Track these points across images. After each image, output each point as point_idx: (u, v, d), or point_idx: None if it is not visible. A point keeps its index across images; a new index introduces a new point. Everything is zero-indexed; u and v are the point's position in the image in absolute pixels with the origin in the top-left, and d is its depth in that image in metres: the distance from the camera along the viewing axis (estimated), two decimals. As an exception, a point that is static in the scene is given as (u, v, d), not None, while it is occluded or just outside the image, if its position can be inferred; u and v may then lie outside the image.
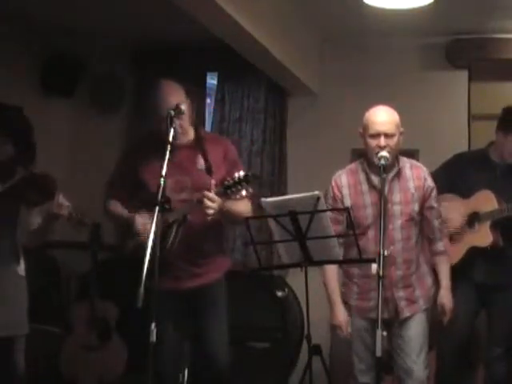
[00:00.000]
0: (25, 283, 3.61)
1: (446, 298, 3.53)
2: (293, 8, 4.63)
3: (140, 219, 3.26)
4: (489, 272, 3.96)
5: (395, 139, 3.39)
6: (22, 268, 3.60)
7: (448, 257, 3.62)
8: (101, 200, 5.58)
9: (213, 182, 3.11)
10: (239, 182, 3.01)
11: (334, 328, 3.55)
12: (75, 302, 5.22)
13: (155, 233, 2.75)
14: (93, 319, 4.81)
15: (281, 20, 4.49)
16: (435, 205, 3.54)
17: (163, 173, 2.87)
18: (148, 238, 2.77)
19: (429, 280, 3.57)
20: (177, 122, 3.13)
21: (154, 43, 5.50)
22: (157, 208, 2.80)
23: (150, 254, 2.70)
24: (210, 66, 5.58)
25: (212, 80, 5.68)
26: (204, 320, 3.38)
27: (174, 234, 3.15)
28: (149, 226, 2.83)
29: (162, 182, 2.85)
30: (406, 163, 3.53)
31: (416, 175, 3.50)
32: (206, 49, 5.28)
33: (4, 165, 3.51)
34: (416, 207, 3.47)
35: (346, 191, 3.50)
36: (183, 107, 3.11)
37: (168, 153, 2.91)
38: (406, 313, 3.46)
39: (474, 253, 3.94)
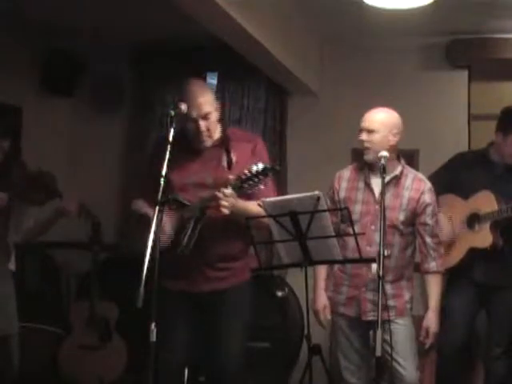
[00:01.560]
0: (13, 280, 3.62)
1: (431, 320, 3.50)
2: (293, 8, 4.63)
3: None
4: (489, 272, 3.96)
5: (376, 136, 3.44)
6: (12, 264, 3.61)
7: (441, 277, 3.58)
8: (100, 199, 5.59)
9: (231, 176, 3.02)
10: (256, 175, 2.93)
11: (314, 313, 3.58)
12: (75, 302, 5.22)
13: (155, 233, 2.72)
14: (93, 319, 4.81)
15: (281, 20, 4.49)
16: (430, 222, 3.51)
17: (163, 173, 2.84)
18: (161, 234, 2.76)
19: (407, 296, 3.53)
20: (203, 124, 3.14)
21: (154, 43, 5.50)
22: (157, 208, 2.79)
23: (150, 254, 2.69)
24: (210, 66, 5.58)
25: (212, 80, 5.68)
26: (216, 329, 3.26)
27: (191, 229, 3.05)
28: (165, 223, 2.82)
29: (162, 182, 2.83)
30: (410, 173, 3.54)
31: (415, 187, 3.50)
32: (206, 49, 5.28)
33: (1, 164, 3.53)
34: (401, 216, 3.45)
35: (344, 184, 3.57)
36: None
37: (168, 153, 2.89)
38: (370, 316, 3.43)
39: (473, 253, 3.94)
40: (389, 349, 3.39)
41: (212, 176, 3.19)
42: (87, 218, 4.12)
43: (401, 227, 3.47)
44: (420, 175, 3.59)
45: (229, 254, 3.26)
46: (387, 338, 3.40)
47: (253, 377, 4.89)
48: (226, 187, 2.99)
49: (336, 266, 3.56)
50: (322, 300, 3.57)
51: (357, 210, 3.48)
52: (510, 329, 4.03)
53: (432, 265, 3.52)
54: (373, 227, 3.41)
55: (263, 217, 3.14)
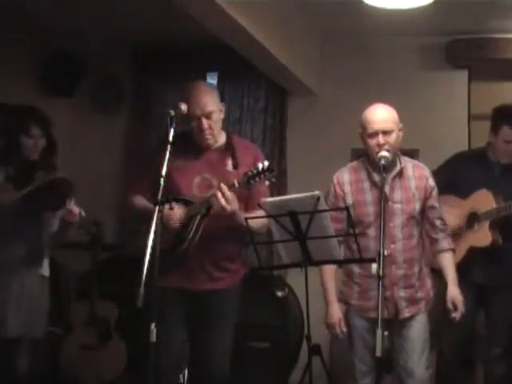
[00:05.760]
0: (47, 285, 3.62)
1: (454, 292, 3.50)
2: (293, 8, 4.64)
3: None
4: (488, 273, 3.97)
5: (393, 135, 3.39)
6: (45, 269, 3.61)
7: (453, 254, 3.60)
8: (100, 200, 5.59)
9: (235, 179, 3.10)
10: (263, 172, 3.02)
11: (328, 327, 3.53)
12: (75, 302, 5.22)
13: (155, 232, 2.73)
14: (93, 319, 4.82)
15: (281, 20, 4.49)
16: (436, 204, 3.53)
17: (163, 173, 2.85)
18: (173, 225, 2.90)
19: (429, 282, 3.56)
20: (205, 122, 3.22)
21: (154, 43, 5.50)
22: (157, 208, 2.79)
23: (150, 254, 2.69)
24: (210, 66, 5.58)
25: (212, 80, 5.67)
26: (210, 327, 3.32)
27: (195, 225, 3.11)
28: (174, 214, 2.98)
29: (161, 182, 2.84)
30: (408, 163, 3.52)
31: (418, 175, 3.50)
32: (206, 49, 5.28)
33: (24, 169, 3.54)
34: (417, 206, 3.46)
35: (347, 188, 3.50)
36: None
37: (168, 153, 2.89)
38: (406, 313, 3.44)
39: (473, 253, 3.94)
40: (405, 345, 3.42)
41: (218, 179, 3.22)
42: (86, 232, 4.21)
43: (418, 217, 3.47)
44: (417, 162, 3.59)
45: (230, 254, 3.32)
46: (405, 333, 3.44)
47: (253, 377, 4.91)
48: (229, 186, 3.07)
49: (357, 272, 3.49)
50: (337, 313, 3.49)
51: (370, 211, 3.43)
52: (509, 329, 4.03)
53: (444, 243, 3.54)
54: (391, 224, 3.39)
55: (263, 217, 3.16)
